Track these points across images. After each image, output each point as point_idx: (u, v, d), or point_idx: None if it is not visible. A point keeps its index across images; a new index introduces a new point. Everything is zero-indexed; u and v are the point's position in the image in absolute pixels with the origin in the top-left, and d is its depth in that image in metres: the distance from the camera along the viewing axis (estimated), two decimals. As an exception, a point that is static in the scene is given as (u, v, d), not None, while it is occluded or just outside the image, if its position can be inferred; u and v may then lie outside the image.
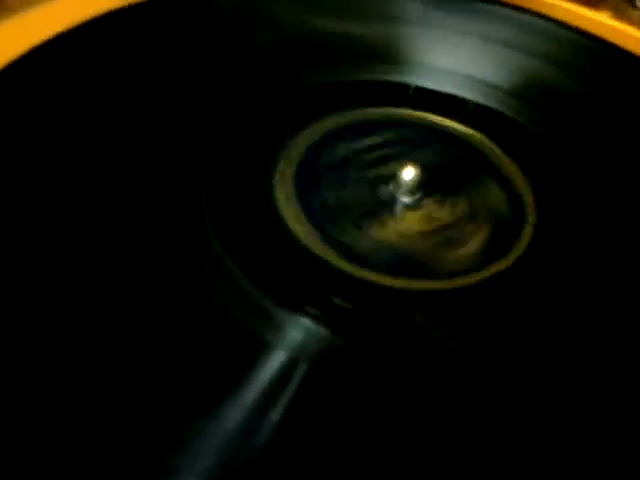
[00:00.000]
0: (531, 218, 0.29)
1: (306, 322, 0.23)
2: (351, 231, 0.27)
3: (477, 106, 0.33)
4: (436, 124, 0.33)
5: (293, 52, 0.34)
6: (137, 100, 0.30)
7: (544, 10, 0.38)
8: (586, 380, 0.23)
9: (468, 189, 0.30)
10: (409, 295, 0.25)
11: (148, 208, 0.26)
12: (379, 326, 0.24)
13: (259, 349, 0.22)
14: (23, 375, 0.20)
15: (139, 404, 0.20)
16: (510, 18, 0.38)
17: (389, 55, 0.35)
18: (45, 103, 0.28)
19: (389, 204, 0.28)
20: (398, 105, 0.33)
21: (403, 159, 0.29)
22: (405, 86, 0.34)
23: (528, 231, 0.28)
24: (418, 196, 0.28)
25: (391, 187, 0.29)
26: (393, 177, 0.29)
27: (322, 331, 0.23)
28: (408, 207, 0.28)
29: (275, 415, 0.20)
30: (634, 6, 0.42)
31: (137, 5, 0.34)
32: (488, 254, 0.27)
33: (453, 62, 0.35)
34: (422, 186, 0.29)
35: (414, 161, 0.29)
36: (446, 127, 0.32)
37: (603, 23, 0.39)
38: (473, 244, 0.27)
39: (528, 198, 0.29)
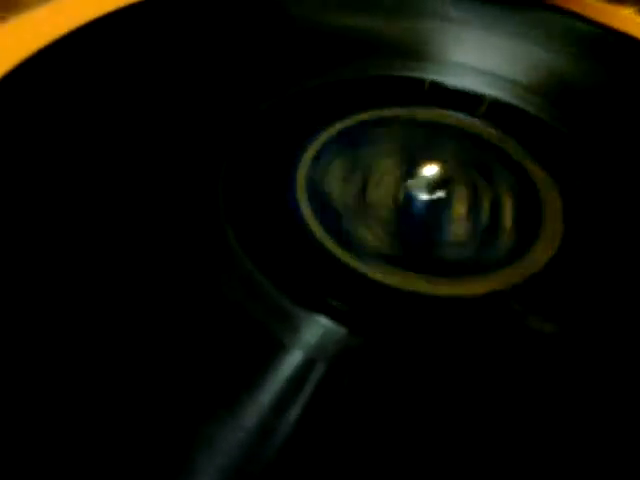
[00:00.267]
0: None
1: (324, 321, 0.22)
2: (372, 230, 0.27)
3: (496, 102, 0.33)
4: (455, 121, 0.32)
5: (314, 48, 0.34)
6: (154, 95, 0.30)
7: (567, 5, 0.38)
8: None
9: (491, 186, 0.29)
10: (423, 297, 0.25)
11: (165, 207, 0.25)
12: (398, 326, 0.23)
13: (275, 349, 0.21)
14: (38, 377, 0.20)
15: (153, 404, 0.20)
16: (531, 12, 0.37)
17: (409, 51, 0.34)
18: (63, 98, 0.28)
19: (410, 202, 0.28)
20: (417, 102, 0.33)
21: (424, 156, 0.29)
22: (423, 82, 0.33)
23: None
24: (440, 193, 0.28)
25: (412, 184, 0.28)
26: (414, 174, 0.28)
27: (340, 331, 0.22)
28: (430, 205, 0.28)
29: (292, 416, 0.20)
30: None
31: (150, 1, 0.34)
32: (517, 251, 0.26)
33: (472, 58, 0.34)
34: (444, 184, 0.28)
35: (435, 158, 0.28)
36: (465, 124, 0.32)
37: (627, 18, 0.38)
38: (501, 241, 0.27)
39: (552, 199, 0.29)
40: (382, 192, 0.28)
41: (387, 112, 0.32)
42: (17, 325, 0.21)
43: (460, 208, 0.28)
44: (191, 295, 0.23)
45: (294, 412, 0.20)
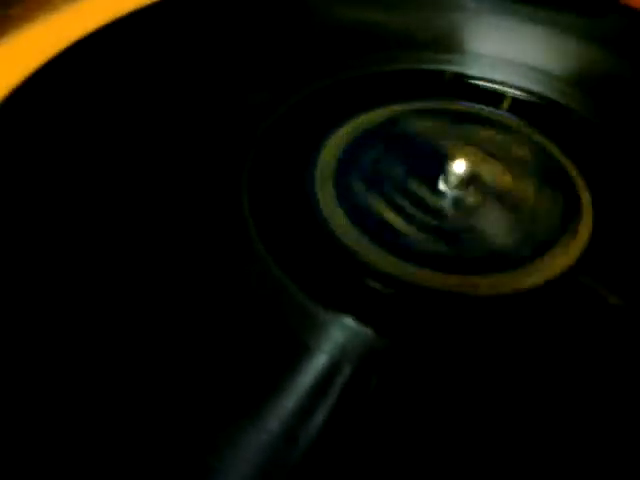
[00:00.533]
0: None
1: (349, 323, 0.22)
2: (398, 229, 0.26)
3: (529, 94, 0.32)
4: (486, 113, 0.31)
5: (340, 42, 0.33)
6: (178, 90, 0.30)
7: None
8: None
9: (522, 182, 0.28)
10: (455, 296, 0.24)
11: (189, 209, 0.25)
12: (425, 327, 0.23)
13: (300, 351, 0.21)
14: (65, 379, 0.20)
15: (178, 407, 0.20)
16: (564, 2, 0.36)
17: (438, 44, 0.34)
18: (82, 104, 0.28)
19: (439, 198, 0.27)
20: (444, 95, 0.32)
21: (455, 152, 0.28)
22: (455, 75, 0.33)
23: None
24: (469, 190, 0.27)
25: (442, 181, 0.28)
26: (444, 171, 0.27)
27: (366, 332, 0.22)
28: (459, 201, 0.27)
29: (317, 420, 0.20)
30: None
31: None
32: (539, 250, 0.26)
33: (502, 49, 0.34)
34: (472, 180, 0.27)
35: (465, 153, 0.28)
36: (496, 116, 0.31)
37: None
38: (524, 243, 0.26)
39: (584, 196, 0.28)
40: (411, 188, 0.28)
41: (416, 105, 0.31)
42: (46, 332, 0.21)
43: (493, 203, 0.27)
44: (216, 298, 0.23)
45: (319, 415, 0.20)
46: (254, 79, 0.31)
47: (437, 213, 0.27)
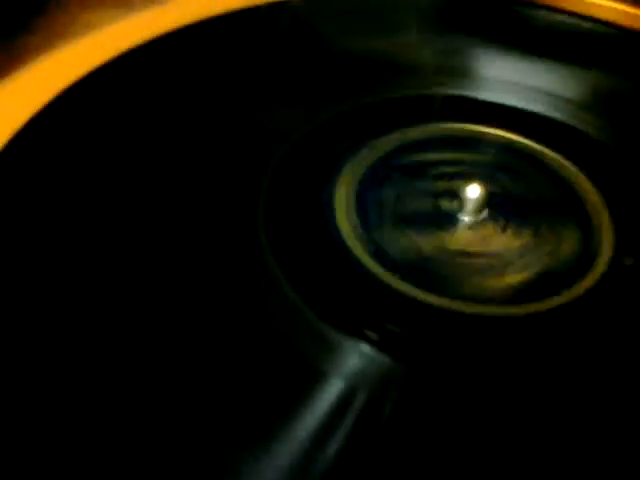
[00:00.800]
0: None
1: (365, 348, 0.22)
2: (415, 253, 0.26)
3: (551, 121, 0.32)
4: (509, 141, 0.31)
5: (351, 69, 0.33)
6: (198, 115, 0.30)
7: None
8: None
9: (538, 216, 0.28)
10: (470, 318, 0.24)
11: (205, 232, 0.25)
12: (442, 351, 0.23)
13: (315, 377, 0.21)
14: (75, 388, 0.20)
15: (187, 436, 0.19)
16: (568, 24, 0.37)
17: (451, 69, 0.34)
18: (106, 128, 0.29)
19: (452, 223, 0.27)
20: (464, 120, 0.32)
21: (469, 176, 0.28)
22: (471, 101, 0.33)
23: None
24: (483, 216, 0.27)
25: (455, 206, 0.27)
26: (457, 195, 0.27)
27: (382, 358, 0.22)
28: (472, 227, 0.27)
29: (332, 448, 0.19)
30: None
31: (228, 15, 0.34)
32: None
33: (517, 75, 0.34)
34: (488, 206, 0.27)
35: (481, 179, 0.28)
36: (520, 145, 0.31)
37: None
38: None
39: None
40: (425, 214, 0.28)
41: (431, 129, 0.31)
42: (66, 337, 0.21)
43: (495, 235, 0.27)
44: (229, 322, 0.23)
45: (335, 442, 0.20)
46: (271, 104, 0.31)
47: (451, 239, 0.27)
